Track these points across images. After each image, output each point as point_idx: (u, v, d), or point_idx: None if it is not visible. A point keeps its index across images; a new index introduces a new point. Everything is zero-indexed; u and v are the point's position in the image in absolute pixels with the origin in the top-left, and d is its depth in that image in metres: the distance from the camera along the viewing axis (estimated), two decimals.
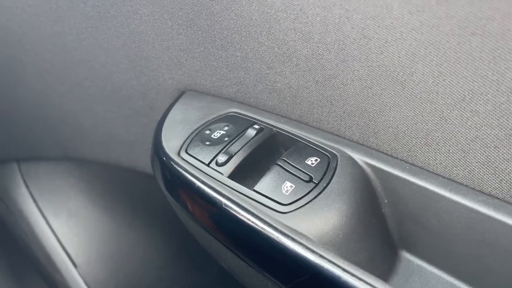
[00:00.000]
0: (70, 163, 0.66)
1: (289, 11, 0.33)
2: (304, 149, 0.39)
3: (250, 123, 0.42)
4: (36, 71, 0.56)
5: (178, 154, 0.42)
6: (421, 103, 0.32)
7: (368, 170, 0.37)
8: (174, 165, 0.41)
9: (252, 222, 0.35)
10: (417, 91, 0.31)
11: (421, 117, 0.32)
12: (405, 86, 0.32)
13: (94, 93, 0.55)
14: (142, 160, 0.57)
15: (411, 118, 0.33)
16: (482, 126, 0.30)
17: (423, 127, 0.33)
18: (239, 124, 0.43)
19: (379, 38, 0.30)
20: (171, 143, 0.43)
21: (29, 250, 0.70)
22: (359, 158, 0.38)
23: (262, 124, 0.42)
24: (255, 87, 0.42)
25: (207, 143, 0.42)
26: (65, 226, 0.67)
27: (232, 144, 0.40)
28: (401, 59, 0.30)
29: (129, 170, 0.60)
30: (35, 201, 0.69)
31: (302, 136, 0.40)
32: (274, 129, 0.42)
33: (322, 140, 0.39)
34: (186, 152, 0.41)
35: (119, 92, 0.53)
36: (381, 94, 0.33)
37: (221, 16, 0.38)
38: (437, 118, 0.32)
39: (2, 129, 0.65)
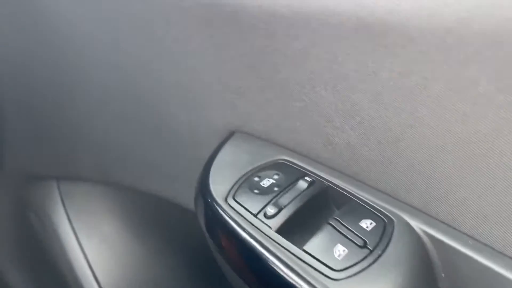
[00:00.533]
0: (109, 187, 0.66)
1: (361, 71, 0.31)
2: (358, 209, 0.37)
3: (301, 174, 0.41)
4: (85, 95, 0.57)
5: (225, 200, 0.40)
6: (495, 179, 0.30)
7: (426, 239, 0.35)
8: (221, 212, 0.40)
9: (300, 286, 0.33)
10: (492, 166, 0.29)
11: (493, 194, 0.30)
12: (479, 160, 0.30)
13: (141, 123, 0.55)
14: (183, 195, 0.57)
15: (481, 193, 0.31)
16: None
17: (493, 203, 0.31)
18: (289, 173, 0.41)
19: (457, 110, 0.28)
20: (218, 187, 0.42)
21: (58, 269, 0.70)
22: (417, 225, 0.35)
23: (314, 177, 0.40)
24: (309, 138, 0.41)
25: (256, 191, 0.40)
26: (96, 250, 0.67)
27: (282, 195, 0.39)
28: (479, 134, 0.28)
29: (168, 202, 0.59)
30: (70, 221, 0.69)
31: (357, 194, 0.38)
32: (326, 183, 0.40)
33: (378, 201, 0.37)
34: (234, 199, 0.40)
35: (167, 125, 0.53)
36: (450, 164, 0.31)
37: (286, 67, 0.37)
38: None
39: (45, 146, 0.66)
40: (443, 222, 0.35)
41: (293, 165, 0.42)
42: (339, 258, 0.34)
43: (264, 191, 0.40)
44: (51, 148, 0.65)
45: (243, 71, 0.41)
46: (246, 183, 0.42)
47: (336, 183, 0.40)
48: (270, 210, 0.38)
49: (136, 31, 0.47)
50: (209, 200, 0.41)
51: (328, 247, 0.34)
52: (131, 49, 0.49)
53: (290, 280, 0.34)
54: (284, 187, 0.40)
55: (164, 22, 0.45)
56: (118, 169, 0.62)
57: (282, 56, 0.36)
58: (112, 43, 0.50)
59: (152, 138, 0.55)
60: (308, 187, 0.39)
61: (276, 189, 0.40)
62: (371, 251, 0.34)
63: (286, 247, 0.35)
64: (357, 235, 0.35)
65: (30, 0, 0.49)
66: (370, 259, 0.33)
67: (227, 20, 0.38)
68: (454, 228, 0.34)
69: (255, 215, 0.38)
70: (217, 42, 0.41)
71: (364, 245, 0.34)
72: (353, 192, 0.39)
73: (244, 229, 0.37)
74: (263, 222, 0.37)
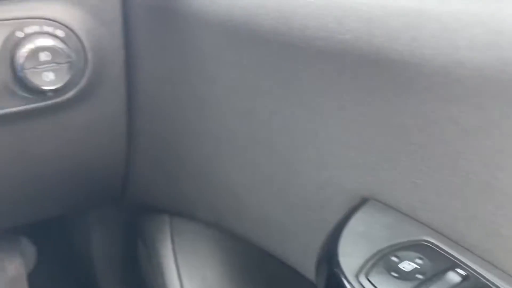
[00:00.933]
0: (220, 232, 0.64)
1: None
2: None
3: (452, 263, 0.35)
4: (214, 139, 0.56)
5: (357, 276, 0.36)
6: None
7: None
8: None
9: None
10: None
11: None
12: None
13: (265, 174, 0.53)
14: (296, 256, 0.53)
15: None
16: None
17: None
18: (436, 260, 0.36)
19: None
20: (348, 259, 0.37)
21: None
22: None
23: (467, 270, 0.34)
24: (467, 222, 0.35)
25: (394, 274, 0.35)
26: None
27: (427, 286, 0.33)
28: None
29: (277, 260, 0.55)
30: (175, 258, 0.68)
31: None
32: (483, 280, 0.33)
33: None
34: (367, 278, 0.35)
35: (292, 179, 0.50)
36: None
37: (456, 140, 0.32)
38: None
39: (165, 182, 0.67)
40: None
41: (441, 251, 0.36)
42: None
43: (404, 276, 0.35)
44: (171, 185, 0.66)
45: (394, 135, 0.37)
46: (382, 261, 0.37)
47: (497, 283, 0.33)
48: None
49: (276, 84, 0.46)
50: (337, 272, 0.37)
51: None
52: (269, 101, 0.47)
53: None
54: (429, 275, 0.34)
55: (303, 68, 0.42)
56: (232, 215, 0.61)
57: (454, 125, 0.31)
58: (251, 93, 0.49)
59: (273, 191, 0.53)
60: (460, 281, 0.33)
61: (419, 276, 0.34)
62: None
63: None
64: None
65: (186, 35, 0.50)
66: None
67: (390, 76, 0.34)
68: None
69: None
70: (367, 99, 0.38)
71: None
72: None
73: None
74: None
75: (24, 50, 0.45)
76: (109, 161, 0.64)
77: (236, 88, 0.49)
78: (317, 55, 0.38)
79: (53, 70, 0.47)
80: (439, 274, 0.34)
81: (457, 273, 0.34)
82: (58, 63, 0.47)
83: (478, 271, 0.34)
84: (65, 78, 0.47)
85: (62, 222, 0.93)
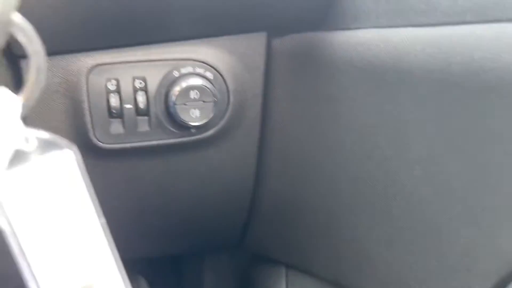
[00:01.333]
0: None
1: None
2: None
3: None
4: (342, 185, 0.54)
5: None
6: None
7: None
8: None
9: None
10: None
11: None
12: None
13: (401, 229, 0.49)
14: None
15: None
16: None
17: None
18: None
19: None
20: None
21: None
22: None
23: None
24: None
25: None
26: None
27: None
28: None
29: None
30: None
31: None
32: None
33: None
34: None
35: (434, 236, 0.45)
36: None
37: None
38: None
39: (283, 232, 0.66)
40: None
41: None
42: None
43: None
44: (292, 235, 0.65)
45: None
46: None
47: None
48: None
49: (423, 127, 0.44)
50: None
51: None
52: (413, 146, 0.45)
53: None
54: None
55: (461, 107, 0.39)
56: (354, 274, 0.57)
57: None
58: (392, 139, 0.47)
59: (409, 249, 0.49)
60: None
61: None
62: None
63: None
64: None
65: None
66: None
67: None
68: None
69: None
70: None
71: None
72: None
73: None
74: None
75: (178, 88, 0.49)
76: (233, 204, 0.65)
77: (375, 134, 0.47)
78: (482, 90, 0.35)
79: (199, 108, 0.50)
80: None
81: None
82: (204, 102, 0.50)
83: None
84: (209, 116, 0.50)
85: (176, 263, 0.95)
